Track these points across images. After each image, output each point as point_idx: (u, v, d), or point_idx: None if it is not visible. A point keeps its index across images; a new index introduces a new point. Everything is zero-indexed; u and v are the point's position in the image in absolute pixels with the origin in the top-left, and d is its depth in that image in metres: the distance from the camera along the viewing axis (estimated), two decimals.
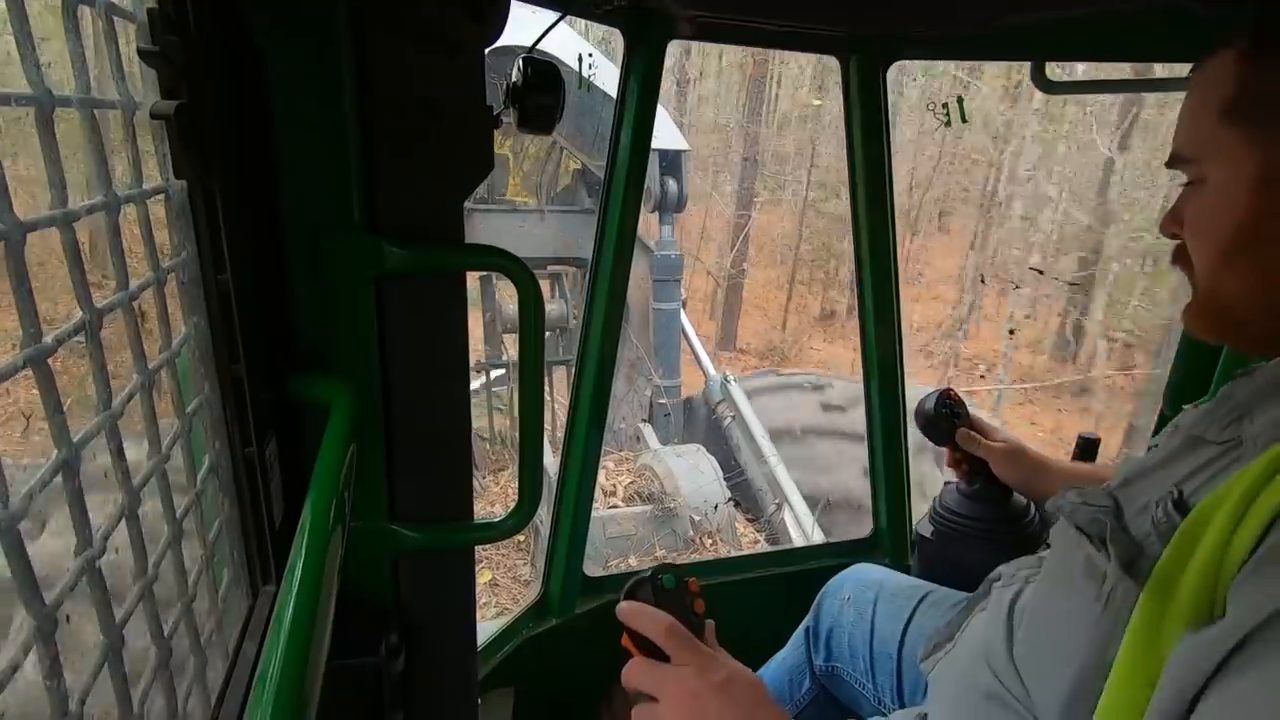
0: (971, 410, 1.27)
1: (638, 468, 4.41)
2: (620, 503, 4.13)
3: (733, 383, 5.05)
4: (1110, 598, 0.58)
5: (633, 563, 3.65)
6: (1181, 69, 1.36)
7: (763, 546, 4.14)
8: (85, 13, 0.39)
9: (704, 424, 5.14)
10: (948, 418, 1.22)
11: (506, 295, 5.48)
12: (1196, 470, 0.59)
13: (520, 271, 0.68)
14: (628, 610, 0.68)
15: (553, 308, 5.05)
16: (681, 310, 5.32)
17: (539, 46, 0.95)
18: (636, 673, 0.65)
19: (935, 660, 0.84)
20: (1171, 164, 0.64)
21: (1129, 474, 0.66)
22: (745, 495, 4.50)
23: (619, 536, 3.72)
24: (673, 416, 5.36)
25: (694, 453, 4.41)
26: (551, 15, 1.07)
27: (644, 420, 5.26)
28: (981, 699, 0.71)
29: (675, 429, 5.36)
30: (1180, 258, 0.65)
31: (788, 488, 4.23)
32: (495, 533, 0.79)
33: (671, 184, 4.62)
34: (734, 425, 4.82)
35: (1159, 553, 0.54)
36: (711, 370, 5.31)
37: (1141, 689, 0.51)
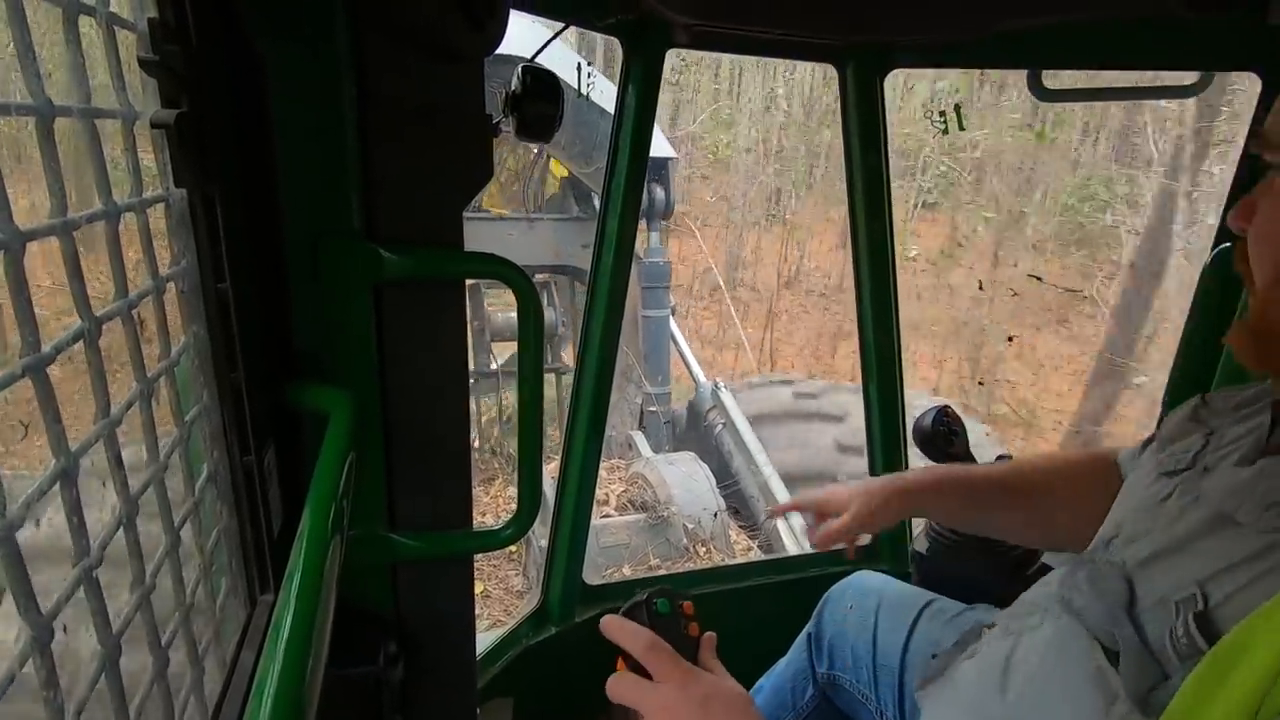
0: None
1: (630, 476, 4.39)
2: (613, 511, 4.11)
3: (723, 390, 5.06)
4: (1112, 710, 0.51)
5: (626, 572, 3.63)
6: (1176, 77, 1.37)
7: (756, 554, 4.13)
8: (85, 22, 0.39)
9: (695, 431, 5.14)
10: (945, 435, 1.23)
11: (497, 304, 5.49)
12: (1227, 568, 0.49)
13: (519, 279, 0.68)
14: (611, 624, 0.68)
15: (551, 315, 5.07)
16: (671, 317, 5.32)
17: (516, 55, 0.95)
18: (621, 688, 0.65)
19: (926, 695, 0.84)
20: (1261, 148, 0.55)
21: (1147, 550, 0.56)
22: (738, 503, 4.49)
23: (612, 546, 3.70)
24: (669, 424, 5.35)
25: (687, 461, 4.39)
26: (550, 24, 1.07)
27: (636, 428, 5.24)
28: None
29: (668, 436, 5.36)
30: (1241, 258, 0.57)
31: (781, 495, 4.23)
32: (494, 541, 0.78)
33: (659, 192, 4.64)
34: (725, 432, 4.82)
35: (1177, 681, 0.45)
36: (702, 377, 5.31)
37: None
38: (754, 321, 11.39)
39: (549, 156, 5.22)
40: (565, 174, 5.21)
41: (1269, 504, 0.50)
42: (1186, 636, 0.48)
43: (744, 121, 12.07)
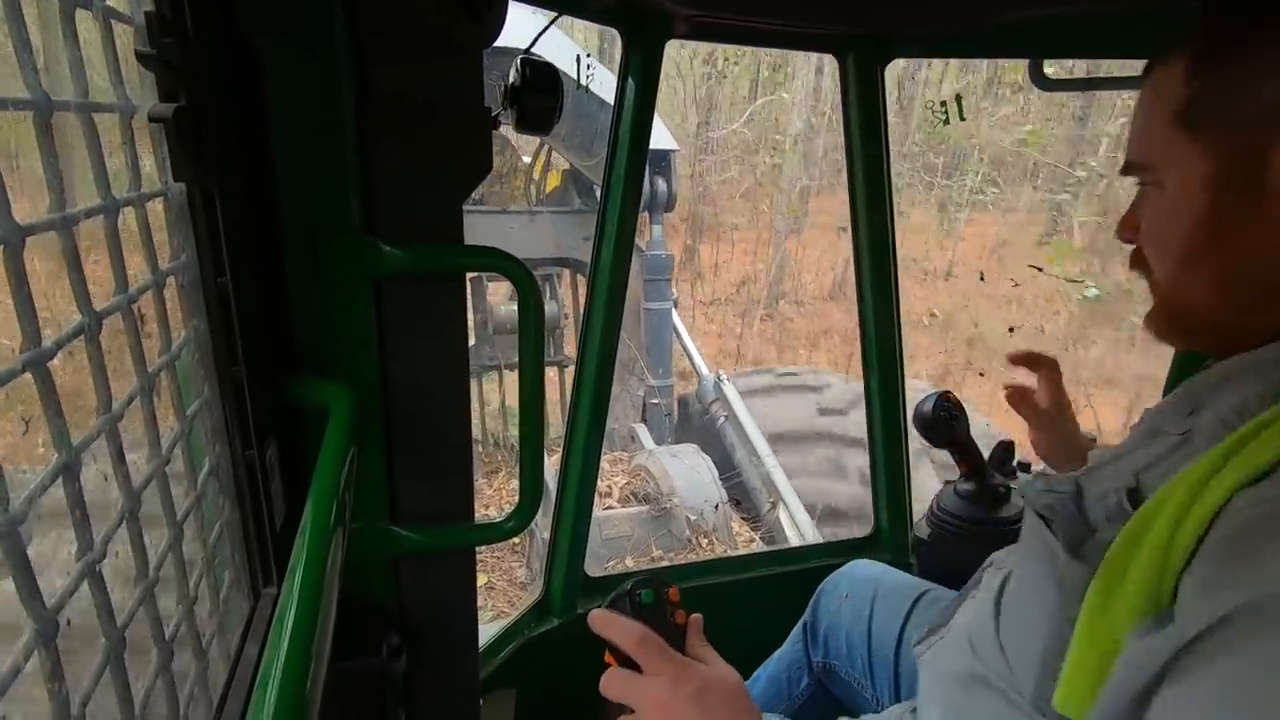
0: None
1: (633, 468, 4.39)
2: (616, 504, 4.11)
3: (726, 382, 5.06)
4: (1063, 580, 0.59)
5: (629, 564, 3.64)
6: None
7: (758, 545, 4.14)
8: (82, 16, 0.39)
9: (698, 424, 5.14)
10: (946, 420, 1.22)
11: (498, 296, 5.48)
12: (1154, 461, 0.60)
13: (520, 273, 0.68)
14: (600, 619, 0.67)
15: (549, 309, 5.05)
16: (673, 309, 5.32)
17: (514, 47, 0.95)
18: (612, 684, 0.65)
19: (928, 645, 0.85)
20: (1127, 171, 0.65)
21: (1096, 460, 0.67)
22: (741, 495, 4.50)
23: (615, 538, 3.70)
24: (671, 416, 5.35)
25: (690, 453, 4.39)
26: (548, 15, 1.07)
27: (639, 421, 5.24)
28: (966, 682, 0.72)
29: (670, 429, 5.36)
30: (1138, 262, 0.66)
31: (783, 487, 4.23)
32: (496, 534, 0.79)
33: (661, 184, 4.62)
34: (728, 424, 4.82)
35: (1109, 537, 0.56)
36: (705, 370, 5.31)
37: (1094, 673, 0.53)
38: (801, 336, 10.60)
39: (550, 150, 5.20)
40: (567, 167, 5.19)
41: (1185, 413, 0.61)
42: (1118, 506, 0.59)
43: (794, 118, 11.32)
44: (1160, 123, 0.60)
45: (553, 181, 5.44)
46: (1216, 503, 0.49)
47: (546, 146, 5.17)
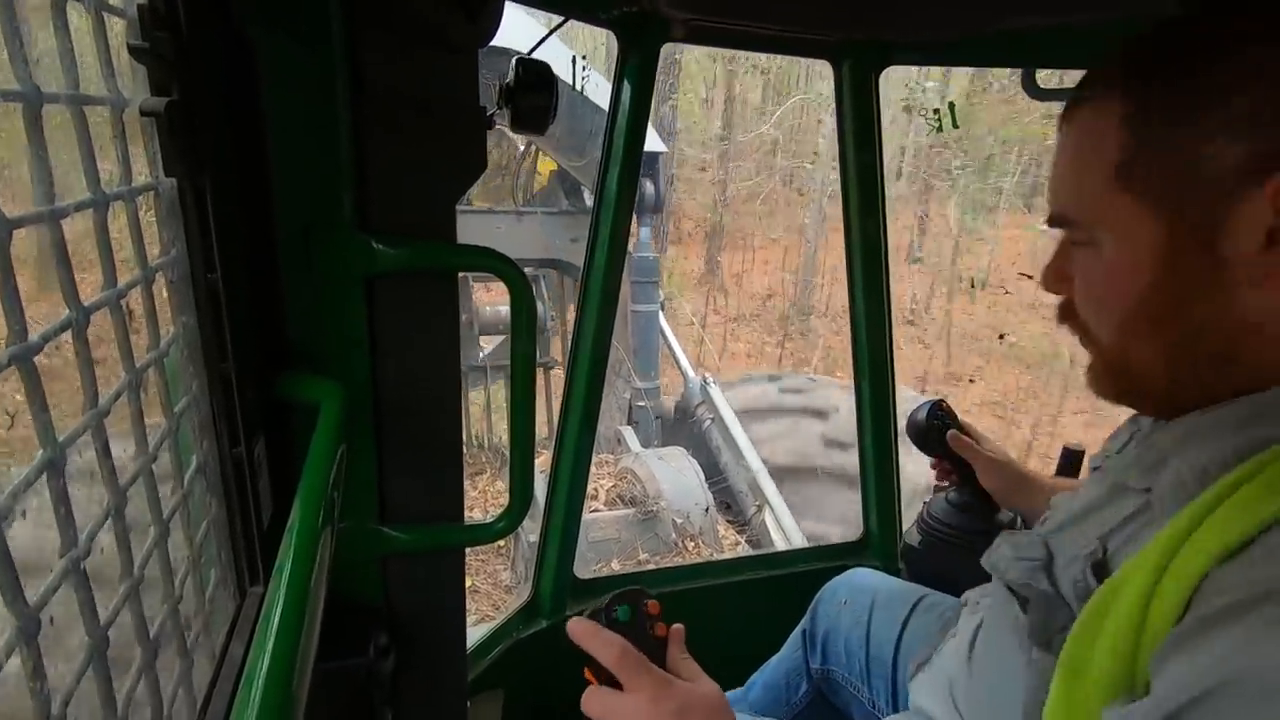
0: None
1: (619, 471, 4.39)
2: (602, 506, 4.10)
3: (712, 385, 5.06)
4: (1037, 665, 0.57)
5: (615, 567, 3.63)
6: None
7: (744, 549, 4.14)
8: (74, 8, 0.39)
9: (684, 427, 5.14)
10: (939, 428, 1.23)
11: (483, 297, 5.46)
12: (1118, 525, 0.57)
13: (512, 273, 0.68)
14: (579, 629, 0.65)
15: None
16: (660, 312, 5.31)
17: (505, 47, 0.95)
18: (592, 702, 0.64)
19: (918, 682, 0.85)
20: (1054, 223, 0.60)
21: (1063, 519, 0.64)
22: (726, 498, 4.50)
23: (601, 540, 3.69)
24: (659, 419, 5.34)
25: (677, 456, 4.39)
26: (546, 19, 1.07)
27: (626, 423, 5.23)
28: None
29: (658, 431, 5.35)
30: (1068, 316, 0.62)
31: (768, 489, 4.24)
32: (486, 535, 0.78)
33: (649, 186, 4.62)
34: (713, 427, 4.82)
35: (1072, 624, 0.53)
36: (691, 372, 5.31)
37: None
38: (840, 359, 9.72)
39: (538, 151, 5.19)
40: (554, 168, 5.18)
41: (1145, 468, 0.58)
42: (1084, 581, 0.56)
43: (830, 117, 11.07)
44: (1095, 177, 0.55)
45: (544, 168, 5.42)
46: (1191, 579, 0.46)
47: (535, 147, 5.16)
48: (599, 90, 3.65)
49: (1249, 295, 0.50)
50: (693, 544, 3.97)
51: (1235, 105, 0.49)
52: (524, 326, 0.70)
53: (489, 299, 5.52)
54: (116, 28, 0.45)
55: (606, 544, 3.72)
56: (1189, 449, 0.54)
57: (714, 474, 4.51)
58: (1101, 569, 0.55)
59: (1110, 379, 0.61)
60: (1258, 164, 0.48)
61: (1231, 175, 0.49)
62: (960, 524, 1.25)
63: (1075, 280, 0.60)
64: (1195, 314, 0.53)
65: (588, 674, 0.66)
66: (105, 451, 0.41)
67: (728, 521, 4.41)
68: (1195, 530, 0.47)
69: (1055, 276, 0.62)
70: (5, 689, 0.32)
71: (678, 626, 0.69)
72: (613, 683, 0.63)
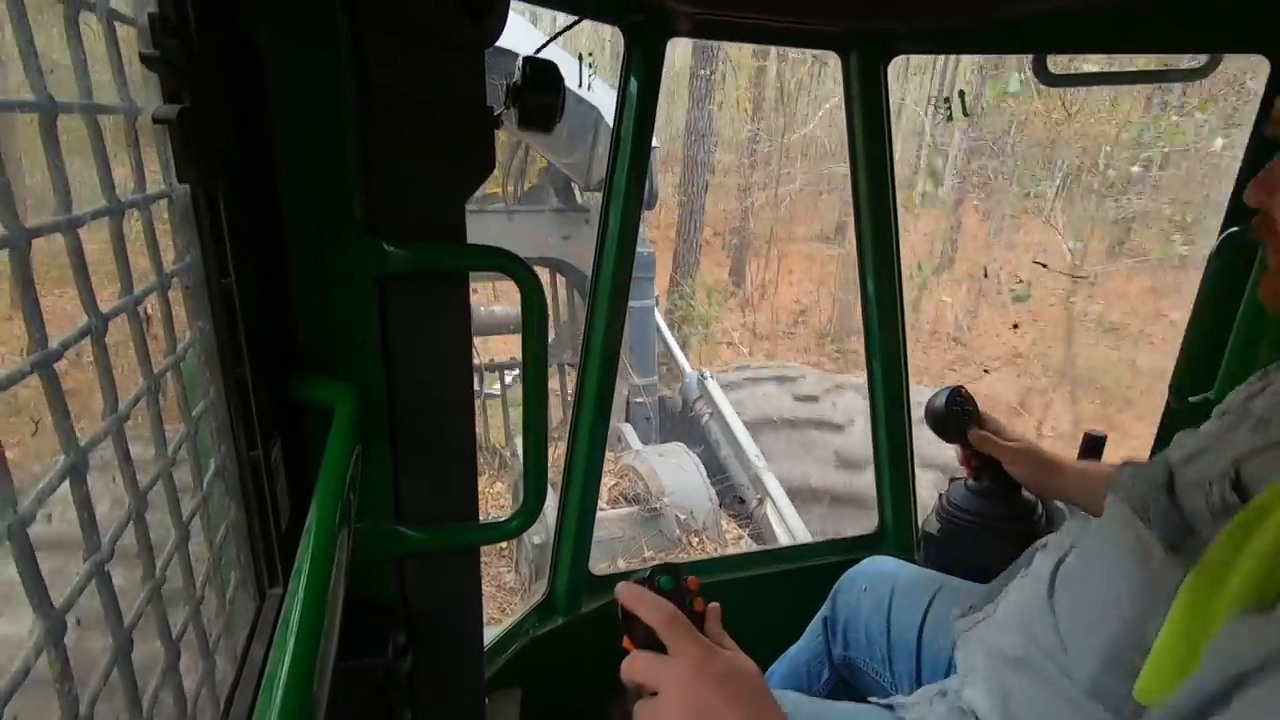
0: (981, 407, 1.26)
1: (620, 468, 4.35)
2: (605, 505, 4.07)
3: (710, 379, 5.03)
4: (1156, 574, 0.58)
5: (621, 565, 3.63)
6: (1182, 59, 1.36)
7: (747, 543, 4.12)
8: (86, 18, 0.39)
9: (682, 422, 5.12)
10: (958, 415, 1.22)
11: (483, 298, 5.43)
12: (1258, 450, 0.58)
13: (523, 272, 0.68)
14: (629, 593, 0.65)
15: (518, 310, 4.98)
16: (656, 308, 5.27)
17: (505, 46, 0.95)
18: (636, 666, 0.64)
19: (971, 621, 0.84)
20: (1276, 128, 0.62)
21: (1192, 450, 0.65)
22: (727, 492, 4.48)
23: (605, 539, 3.66)
24: (653, 416, 5.31)
25: (678, 452, 4.35)
26: (544, 24, 1.07)
27: (624, 420, 5.20)
28: (1015, 665, 0.71)
29: (655, 428, 5.32)
30: (1265, 230, 0.62)
31: (769, 482, 4.22)
32: (501, 533, 0.79)
33: None
34: (712, 421, 4.80)
35: (1209, 534, 0.54)
36: (688, 367, 5.28)
37: (1183, 666, 0.52)
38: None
39: (528, 148, 5.16)
40: (544, 165, 5.13)
41: None
42: (1221, 499, 0.56)
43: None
44: None
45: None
46: None
47: (524, 144, 5.13)
48: (591, 87, 3.63)
49: None
50: (697, 539, 3.96)
51: None
52: (534, 325, 0.71)
53: (474, 299, 5.50)
54: (128, 36, 0.46)
55: (611, 543, 3.71)
56: None
57: (714, 468, 4.49)
58: (1240, 488, 0.56)
59: None
60: None
61: None
62: (981, 510, 1.24)
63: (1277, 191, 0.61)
64: None
65: (626, 642, 0.66)
66: (125, 456, 0.41)
67: (729, 516, 4.39)
68: None
69: (1263, 185, 0.62)
70: (35, 689, 0.33)
71: (715, 605, 0.69)
72: (651, 649, 0.64)
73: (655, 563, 0.72)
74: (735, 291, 11.26)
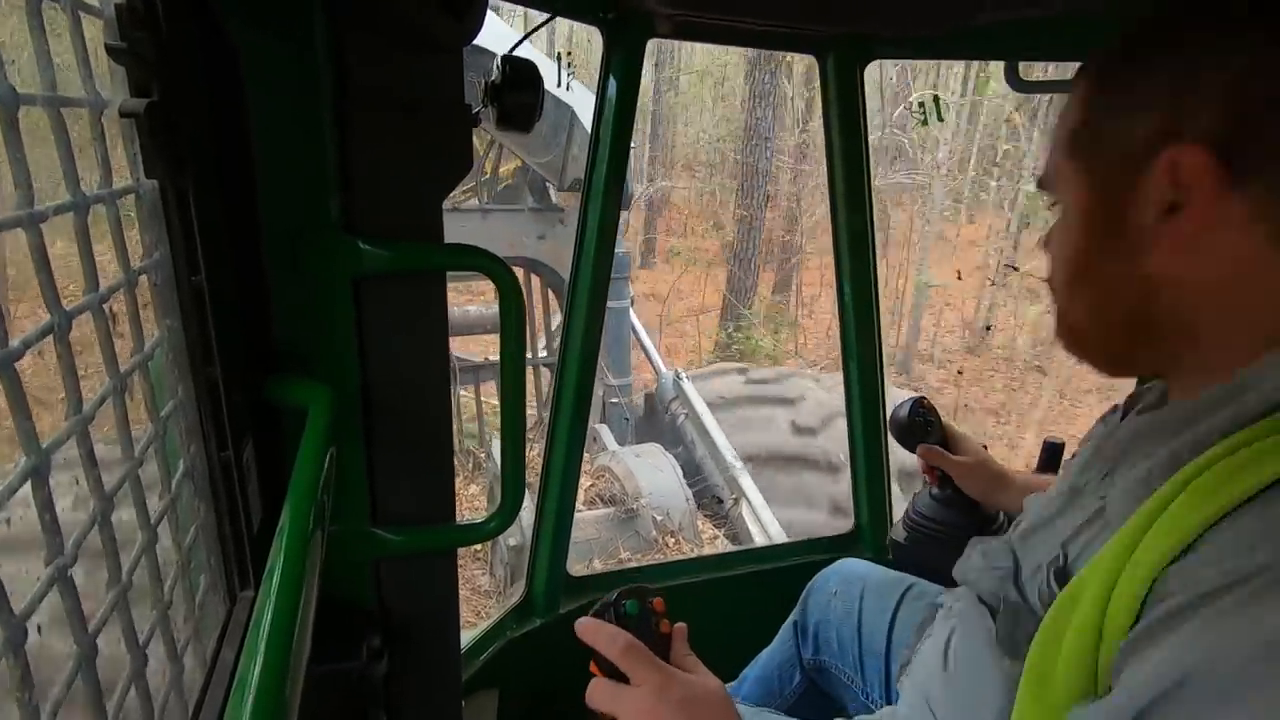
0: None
1: (595, 469, 4.32)
2: (581, 506, 4.05)
3: (685, 379, 5.04)
4: (1008, 675, 0.58)
5: (598, 566, 3.62)
6: None
7: (723, 543, 4.14)
8: (49, 8, 0.38)
9: (657, 422, 5.12)
10: (921, 425, 1.24)
11: (453, 299, 5.38)
12: (1078, 530, 0.59)
13: (502, 272, 0.68)
14: (585, 627, 0.67)
15: (494, 310, 4.95)
16: (630, 308, 5.27)
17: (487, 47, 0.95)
18: (597, 695, 0.65)
19: (905, 675, 0.85)
20: (1040, 186, 0.65)
21: (1029, 525, 0.66)
22: (704, 493, 4.49)
23: (581, 541, 3.63)
24: (631, 417, 5.30)
25: (654, 453, 4.34)
26: (528, 13, 1.06)
27: (600, 421, 5.19)
28: None
29: (631, 428, 5.31)
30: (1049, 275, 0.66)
31: (744, 482, 4.24)
32: (478, 534, 0.78)
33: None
34: (688, 422, 4.81)
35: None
36: (663, 367, 5.29)
37: None
38: (980, 426, 7.91)
39: (501, 147, 5.14)
40: (518, 165, 5.11)
41: (1101, 475, 0.60)
42: (1048, 589, 0.57)
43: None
44: (1059, 145, 0.60)
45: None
46: (1144, 582, 0.46)
47: (498, 143, 5.10)
48: (570, 87, 3.63)
49: (1154, 261, 0.53)
50: (673, 540, 3.96)
51: (1157, 76, 0.52)
52: (513, 326, 0.70)
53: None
54: (94, 27, 0.45)
55: (587, 544, 3.70)
56: (1137, 452, 0.57)
57: (690, 469, 4.50)
58: (1064, 576, 0.57)
59: (1061, 334, 0.65)
60: (1162, 137, 0.51)
61: (1142, 146, 0.52)
62: (945, 519, 1.26)
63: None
64: (1108, 280, 0.57)
65: (593, 668, 0.67)
66: (90, 457, 0.40)
67: (705, 515, 4.40)
68: (1145, 533, 0.48)
69: (1044, 239, 0.66)
70: None
71: (681, 625, 0.70)
72: (616, 676, 0.64)
73: (623, 587, 0.72)
74: (781, 306, 10.62)
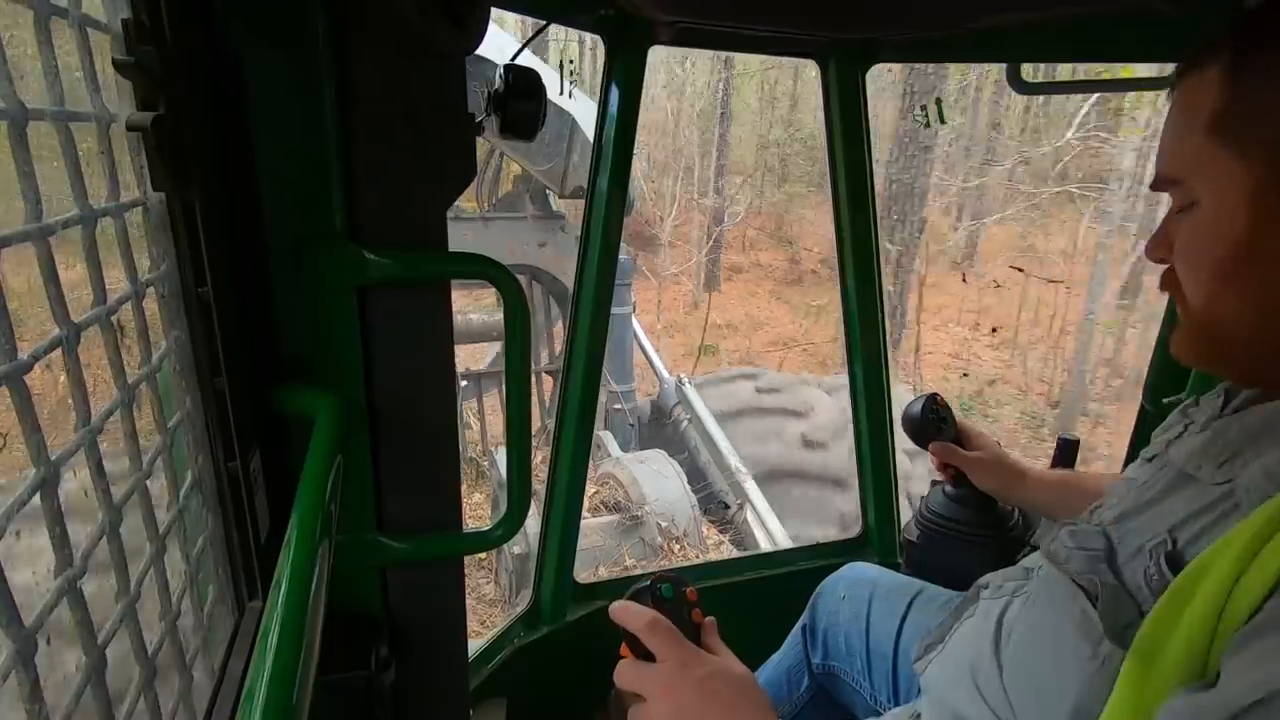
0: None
1: (600, 476, 4.34)
2: (586, 513, 4.04)
3: (688, 385, 5.03)
4: (1105, 660, 0.57)
5: (603, 573, 3.61)
6: (1154, 69, 1.39)
7: (728, 549, 4.12)
8: (58, 24, 0.39)
9: (661, 428, 5.11)
10: (934, 423, 1.23)
11: (456, 305, 5.37)
12: (1191, 516, 0.57)
13: (506, 280, 0.68)
14: (618, 608, 0.68)
15: (498, 318, 4.96)
16: (633, 315, 5.27)
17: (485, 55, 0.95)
18: (624, 674, 0.65)
19: (926, 663, 0.85)
20: (1158, 186, 0.62)
21: (1124, 509, 0.64)
22: (707, 498, 4.48)
23: (586, 548, 3.64)
24: (634, 423, 5.28)
25: (658, 459, 4.35)
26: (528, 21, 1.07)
27: (603, 428, 5.18)
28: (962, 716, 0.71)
29: (634, 435, 5.30)
30: (1169, 283, 0.63)
31: (749, 487, 4.23)
32: (484, 542, 0.78)
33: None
34: (691, 428, 4.80)
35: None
36: (666, 374, 5.28)
37: None
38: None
39: (503, 156, 5.15)
40: (518, 172, 5.12)
41: (1220, 461, 0.58)
42: (1158, 573, 0.55)
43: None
44: (1194, 133, 0.57)
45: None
46: (1273, 574, 0.45)
47: (498, 151, 5.11)
48: (573, 95, 3.64)
49: None
50: (679, 546, 3.95)
51: None
52: (518, 333, 0.70)
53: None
54: (101, 43, 0.45)
55: (592, 551, 3.70)
56: (1265, 442, 0.55)
57: (694, 475, 4.49)
58: (1174, 560, 0.55)
59: (1198, 341, 0.62)
60: None
61: None
62: (958, 516, 1.25)
63: (1175, 245, 0.61)
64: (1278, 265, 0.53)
65: (624, 650, 0.68)
66: (99, 469, 0.40)
67: (710, 522, 4.38)
68: None
69: (1159, 243, 0.63)
70: (3, 709, 0.32)
71: (711, 619, 0.71)
72: (647, 659, 0.65)
73: (658, 572, 0.73)
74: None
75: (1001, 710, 0.68)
